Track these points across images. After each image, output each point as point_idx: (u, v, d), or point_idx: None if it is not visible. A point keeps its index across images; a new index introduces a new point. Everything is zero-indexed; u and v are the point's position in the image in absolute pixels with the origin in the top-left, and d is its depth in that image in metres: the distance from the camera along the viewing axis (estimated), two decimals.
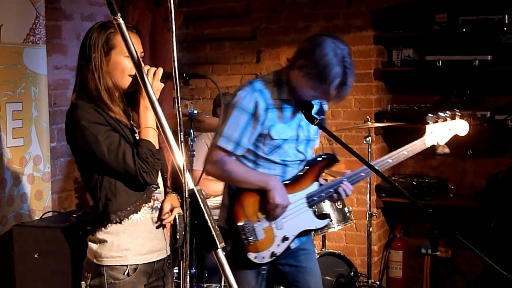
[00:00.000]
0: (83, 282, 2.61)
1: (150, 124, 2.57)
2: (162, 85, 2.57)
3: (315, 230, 3.23)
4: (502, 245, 4.52)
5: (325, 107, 3.22)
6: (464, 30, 4.69)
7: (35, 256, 3.39)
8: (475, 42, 4.76)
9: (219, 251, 1.68)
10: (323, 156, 3.16)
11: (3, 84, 3.64)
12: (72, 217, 3.58)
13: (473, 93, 4.86)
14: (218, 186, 4.74)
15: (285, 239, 3.02)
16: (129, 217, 2.58)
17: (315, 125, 2.84)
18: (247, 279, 3.04)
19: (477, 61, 4.65)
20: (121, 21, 1.73)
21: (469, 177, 5.03)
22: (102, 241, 2.58)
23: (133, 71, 2.53)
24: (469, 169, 5.01)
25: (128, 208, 2.57)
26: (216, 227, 1.69)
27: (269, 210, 2.95)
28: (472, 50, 4.73)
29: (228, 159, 2.98)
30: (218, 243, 1.67)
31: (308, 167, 3.11)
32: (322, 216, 3.18)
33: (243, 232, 2.96)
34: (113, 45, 2.55)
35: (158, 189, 2.69)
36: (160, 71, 2.55)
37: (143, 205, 2.62)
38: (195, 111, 3.82)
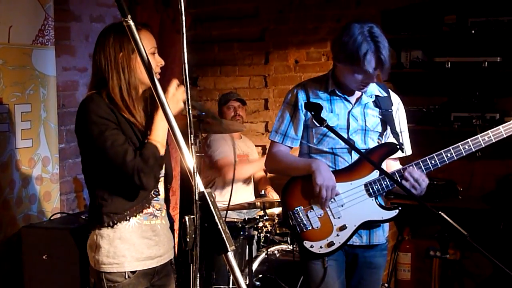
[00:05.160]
0: None
1: (161, 137, 2.58)
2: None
3: (383, 222, 3.05)
4: (511, 247, 4.50)
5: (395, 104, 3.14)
6: (473, 31, 4.66)
7: (44, 257, 3.39)
8: (485, 44, 4.72)
9: (229, 254, 1.67)
10: (381, 144, 3.08)
11: (12, 86, 3.64)
12: (80, 219, 3.58)
13: (482, 95, 4.83)
14: (246, 169, 4.74)
15: (343, 228, 2.98)
16: (122, 222, 2.58)
17: (324, 127, 2.83)
18: (312, 273, 3.05)
19: (486, 63, 4.62)
20: (131, 23, 1.72)
21: (478, 179, 5.00)
22: (98, 248, 2.59)
23: (158, 69, 2.60)
24: (478, 171, 4.97)
25: (123, 213, 2.57)
26: (226, 229, 1.68)
27: (315, 193, 2.93)
28: (481, 51, 4.70)
29: (279, 150, 3.12)
30: (228, 246, 1.67)
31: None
32: (389, 206, 3.04)
33: (295, 218, 2.99)
34: None
35: (158, 197, 2.68)
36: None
37: (140, 212, 2.62)
38: (203, 113, 3.82)
